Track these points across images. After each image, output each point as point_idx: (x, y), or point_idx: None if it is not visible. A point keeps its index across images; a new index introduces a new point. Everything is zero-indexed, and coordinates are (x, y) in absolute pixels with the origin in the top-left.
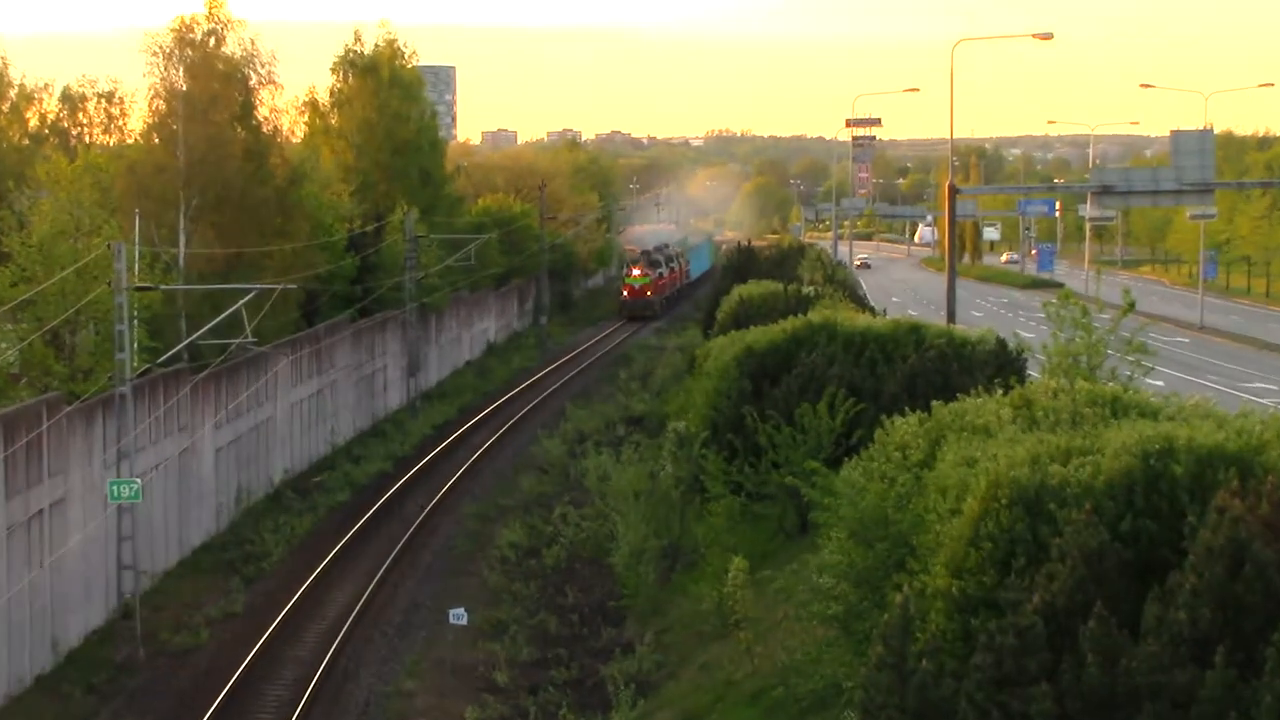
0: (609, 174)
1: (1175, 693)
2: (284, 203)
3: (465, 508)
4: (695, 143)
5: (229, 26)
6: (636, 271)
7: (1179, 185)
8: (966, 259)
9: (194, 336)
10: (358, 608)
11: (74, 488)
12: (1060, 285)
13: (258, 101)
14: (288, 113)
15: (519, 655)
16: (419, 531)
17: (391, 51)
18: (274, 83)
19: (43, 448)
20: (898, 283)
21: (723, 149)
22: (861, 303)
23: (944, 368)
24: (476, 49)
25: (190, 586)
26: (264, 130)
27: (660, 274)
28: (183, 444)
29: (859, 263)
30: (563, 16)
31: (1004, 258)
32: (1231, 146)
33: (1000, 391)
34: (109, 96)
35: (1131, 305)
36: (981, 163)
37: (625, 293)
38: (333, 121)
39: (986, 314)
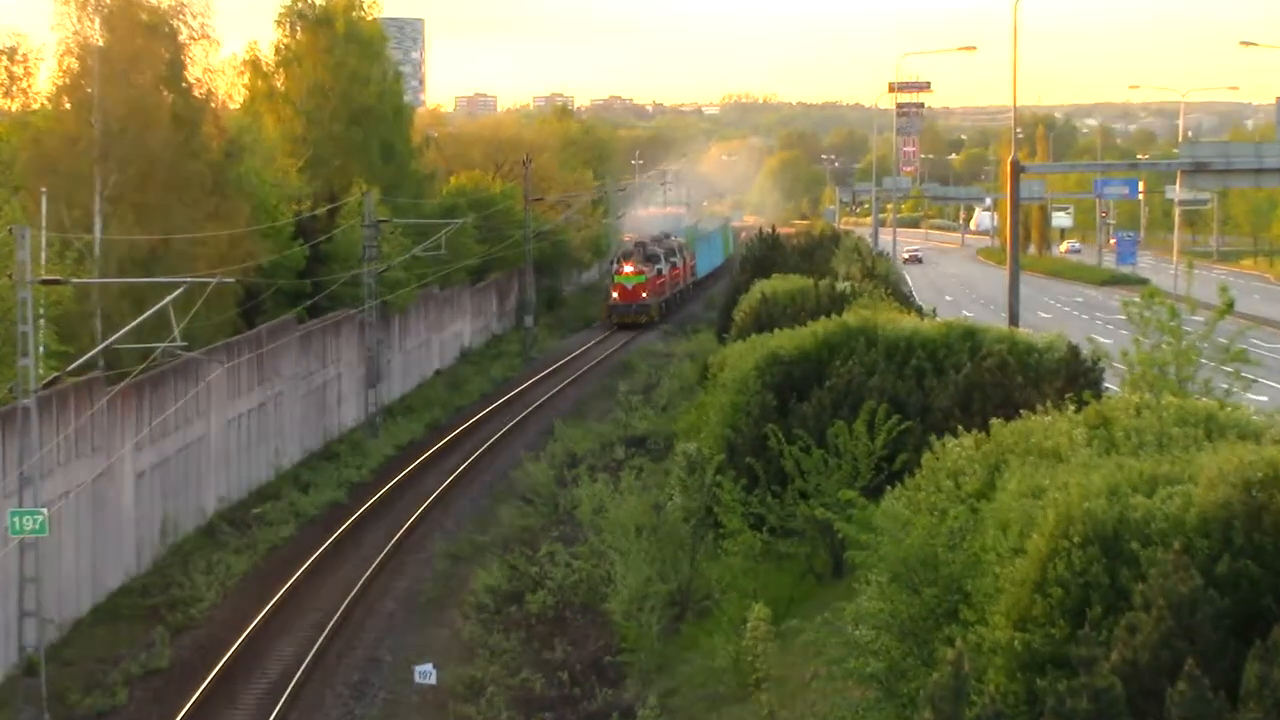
0: (606, 148)
1: None
2: (220, 180)
3: (434, 545)
4: (709, 111)
5: None
6: (628, 268)
7: None
8: (1032, 250)
9: (112, 339)
10: (306, 663)
11: None
12: (1144, 281)
13: (188, 60)
14: (225, 73)
15: None
16: (379, 573)
17: (348, 1)
18: (208, 37)
19: None
20: (950, 278)
21: (742, 118)
22: (907, 302)
23: (1005, 379)
24: None
25: (106, 638)
26: (196, 94)
27: (659, 271)
28: (98, 468)
29: (907, 256)
30: None
31: (1063, 246)
32: None
33: (1072, 408)
34: (10, 54)
35: (1230, 305)
36: (1050, 135)
37: (614, 294)
38: (278, 84)
39: (1056, 315)
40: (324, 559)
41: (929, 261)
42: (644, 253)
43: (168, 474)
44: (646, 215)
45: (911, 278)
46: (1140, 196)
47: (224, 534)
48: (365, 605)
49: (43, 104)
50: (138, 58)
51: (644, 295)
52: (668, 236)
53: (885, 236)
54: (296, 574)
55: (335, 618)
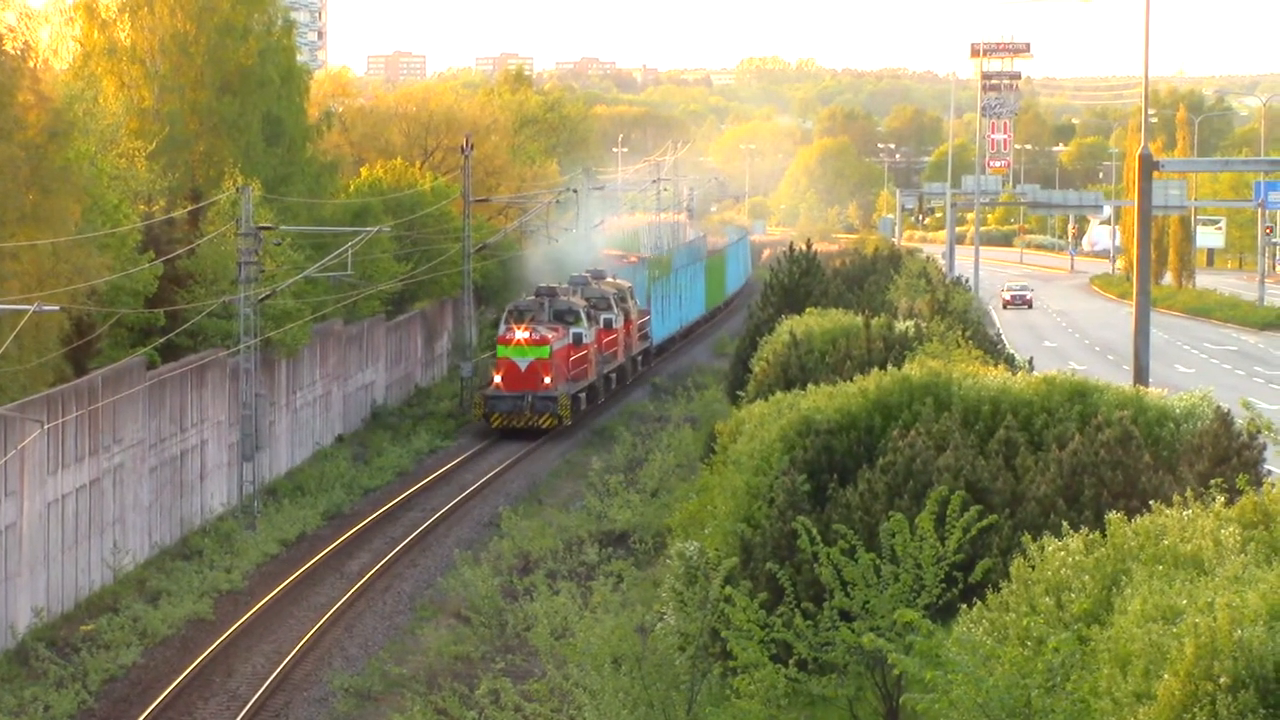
0: (578, 129)
1: None
2: (40, 170)
3: (333, 679)
4: (721, 80)
5: None
6: (521, 333)
7: None
8: (1168, 279)
9: None
10: None
11: None
12: None
13: None
14: (48, 21)
15: None
16: (257, 718)
17: None
18: None
19: None
20: (1054, 315)
21: (767, 91)
22: (993, 349)
23: (1128, 458)
24: None
25: None
26: (6, 49)
27: (578, 338)
28: None
29: (1009, 298)
30: None
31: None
32: None
33: (1221, 499)
34: None
35: None
36: (1195, 119)
37: (496, 376)
38: (121, 37)
39: (1200, 370)
40: (180, 697)
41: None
42: (551, 307)
43: None
44: (628, 226)
45: (1000, 316)
46: None
47: (41, 660)
48: None
49: None
50: None
51: (546, 380)
52: (602, 276)
53: (965, 257)
54: (141, 718)
55: None
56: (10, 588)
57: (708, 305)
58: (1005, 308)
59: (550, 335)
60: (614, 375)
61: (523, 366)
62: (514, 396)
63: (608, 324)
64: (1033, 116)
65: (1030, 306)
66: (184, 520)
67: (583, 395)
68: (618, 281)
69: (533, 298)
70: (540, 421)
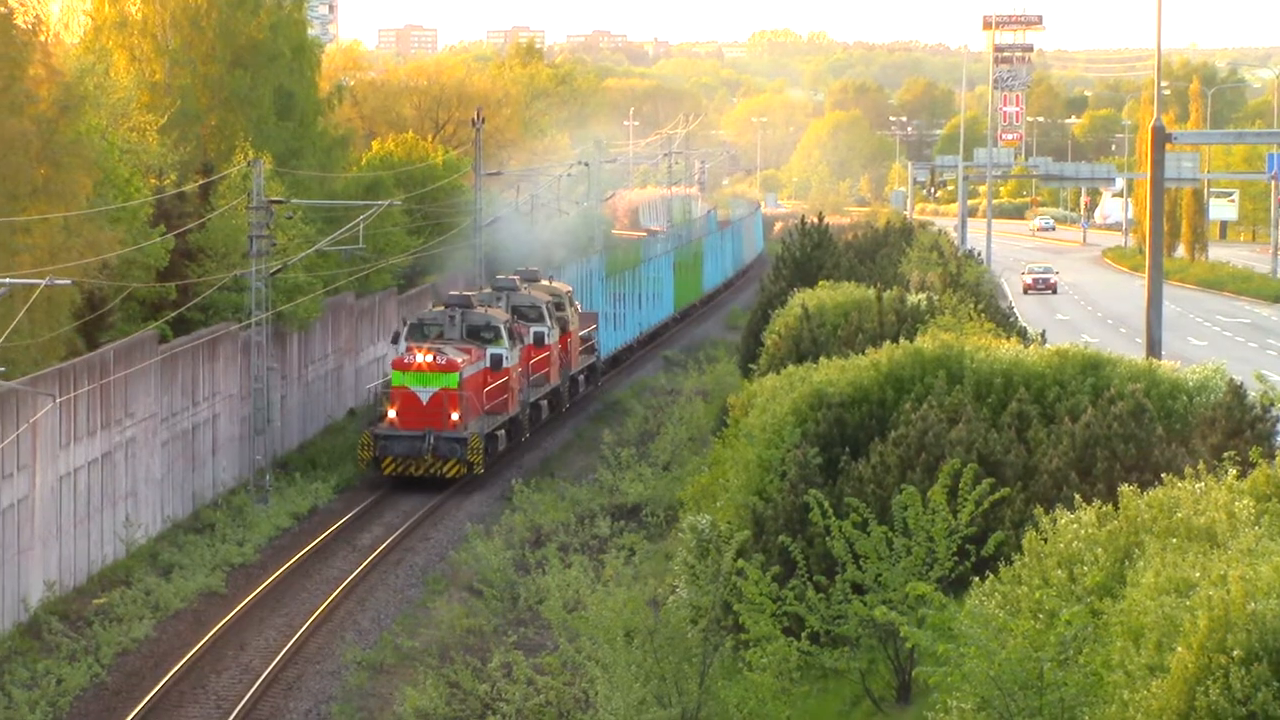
0: (589, 102)
1: None
2: (51, 144)
3: (346, 652)
4: (732, 53)
5: None
6: (423, 356)
7: None
8: (1181, 252)
9: None
10: None
11: None
12: None
13: None
14: None
15: None
16: (269, 690)
17: None
18: None
19: None
20: (1066, 288)
21: (778, 64)
22: (1005, 321)
23: (1140, 431)
24: None
25: None
26: (18, 23)
27: (497, 361)
28: None
29: (1031, 281)
30: None
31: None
32: None
33: (1234, 471)
34: None
35: None
36: (1208, 91)
37: (391, 411)
38: (133, 10)
39: (1213, 342)
40: (193, 670)
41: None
42: (463, 322)
43: None
44: (641, 199)
45: (1012, 288)
46: None
47: (54, 633)
48: None
49: None
50: None
51: (453, 416)
52: (535, 278)
53: (978, 230)
54: (154, 690)
55: None
56: (23, 561)
57: (756, 253)
58: (1026, 292)
59: (460, 359)
60: (545, 402)
61: (424, 398)
62: (411, 436)
63: (539, 339)
64: (1045, 89)
65: (1054, 291)
66: (196, 494)
67: (501, 433)
68: (554, 285)
69: (440, 309)
70: (444, 470)
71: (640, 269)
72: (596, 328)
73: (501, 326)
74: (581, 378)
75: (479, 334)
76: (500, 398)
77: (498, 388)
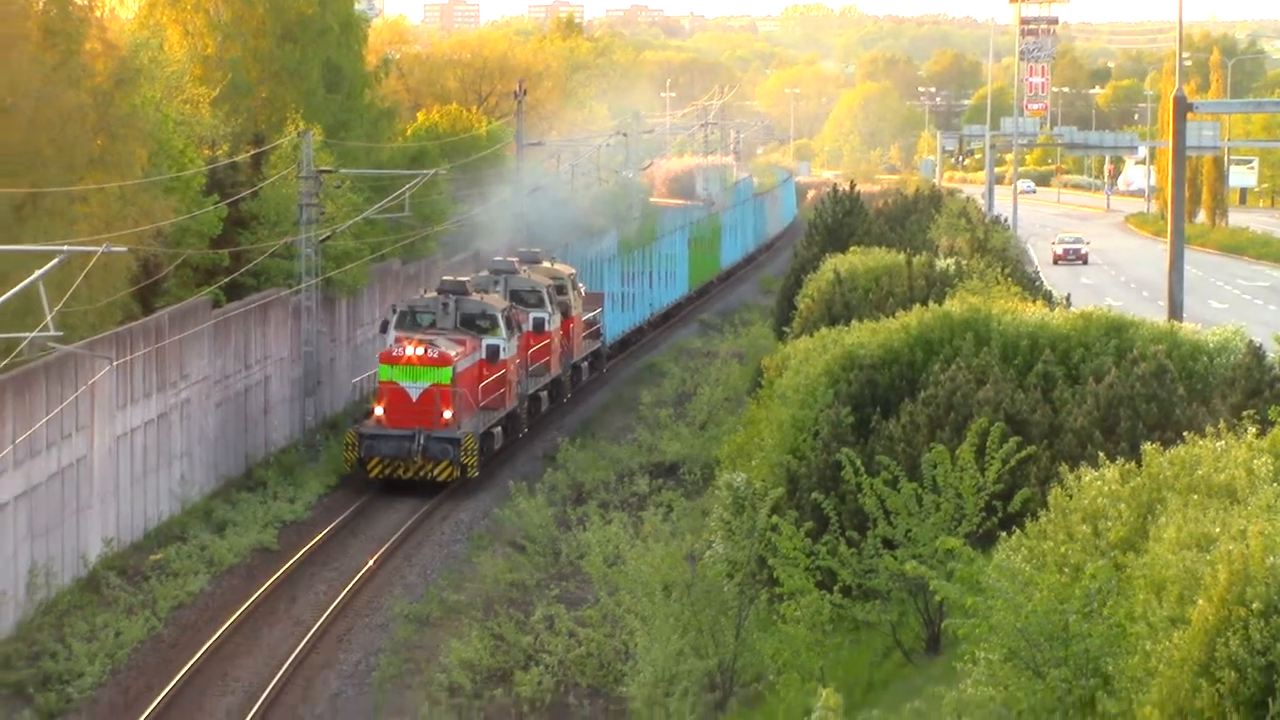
0: (628, 75)
1: None
2: (107, 116)
3: (393, 605)
4: (766, 27)
5: None
6: (413, 349)
7: None
8: (1202, 217)
9: None
10: None
11: None
12: None
13: None
14: None
15: None
16: (320, 642)
17: None
18: None
19: None
20: (1090, 253)
21: (810, 37)
22: (1031, 286)
23: (1162, 391)
24: None
25: None
26: (74, 1)
27: (494, 352)
28: None
29: (1061, 251)
30: None
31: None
32: None
33: (1253, 430)
34: None
35: None
36: (1228, 63)
37: (378, 408)
38: None
39: (1233, 305)
40: (246, 622)
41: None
42: (457, 310)
43: (36, 507)
44: (678, 168)
45: (1037, 254)
46: None
47: (112, 588)
48: (301, 685)
49: None
50: None
51: (445, 415)
52: (535, 260)
53: (1004, 197)
54: (209, 642)
55: (261, 702)
56: (82, 519)
57: (789, 220)
58: (1056, 263)
59: (454, 351)
60: (545, 394)
61: (414, 395)
62: (400, 436)
63: (538, 326)
64: (1070, 60)
65: (1085, 262)
66: (248, 453)
67: (497, 430)
68: (556, 267)
69: (432, 295)
70: (435, 472)
71: (653, 247)
72: (602, 310)
73: (498, 315)
74: (585, 365)
75: (474, 323)
76: (496, 392)
77: (494, 382)
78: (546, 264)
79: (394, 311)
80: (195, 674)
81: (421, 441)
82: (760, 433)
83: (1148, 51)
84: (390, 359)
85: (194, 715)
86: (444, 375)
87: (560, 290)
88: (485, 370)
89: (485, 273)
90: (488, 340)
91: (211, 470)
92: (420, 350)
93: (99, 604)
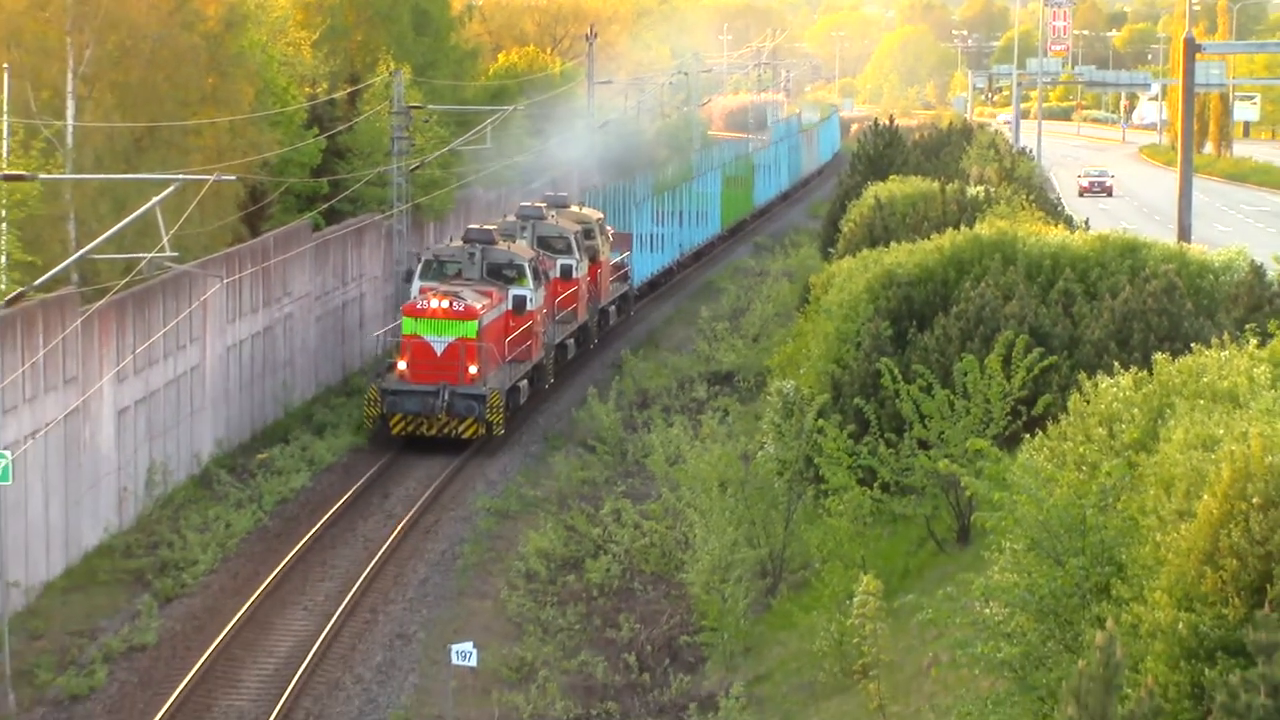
0: (688, 19)
1: None
2: (217, 56)
3: (475, 500)
4: None
5: None
6: (438, 302)
7: None
8: (1208, 148)
9: (88, 249)
10: (320, 641)
11: None
12: None
13: None
14: None
15: (551, 711)
16: (409, 533)
17: None
18: None
19: None
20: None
21: None
22: (1053, 211)
23: (1172, 306)
24: None
25: (82, 605)
26: None
27: (520, 303)
28: (71, 402)
29: (1087, 184)
30: None
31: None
32: None
33: (1254, 341)
34: None
35: None
36: (1234, 6)
37: (401, 363)
38: None
39: (1236, 228)
40: (343, 515)
41: (1079, 162)
42: (483, 260)
43: (155, 411)
44: (734, 106)
45: (1059, 180)
46: None
47: (222, 484)
48: (392, 571)
49: None
50: None
51: (471, 370)
52: (563, 204)
53: (1029, 130)
54: (310, 533)
55: (356, 586)
56: (195, 421)
57: (832, 153)
58: (1082, 195)
59: (480, 304)
60: (573, 340)
61: (438, 349)
62: (423, 391)
63: (566, 273)
64: (1090, 5)
65: (1110, 194)
66: (345, 363)
67: (524, 384)
68: (584, 212)
69: (458, 244)
70: (460, 429)
71: (684, 187)
72: (630, 252)
73: (526, 264)
74: (613, 309)
75: (501, 273)
76: (523, 345)
77: (521, 334)
78: (574, 209)
79: (419, 261)
80: (298, 561)
81: (446, 398)
82: (807, 344)
83: None
84: (414, 312)
85: (297, 598)
86: (470, 329)
87: (588, 235)
88: (512, 322)
89: (512, 218)
90: (514, 290)
91: (312, 377)
92: (445, 303)
93: (211, 498)
